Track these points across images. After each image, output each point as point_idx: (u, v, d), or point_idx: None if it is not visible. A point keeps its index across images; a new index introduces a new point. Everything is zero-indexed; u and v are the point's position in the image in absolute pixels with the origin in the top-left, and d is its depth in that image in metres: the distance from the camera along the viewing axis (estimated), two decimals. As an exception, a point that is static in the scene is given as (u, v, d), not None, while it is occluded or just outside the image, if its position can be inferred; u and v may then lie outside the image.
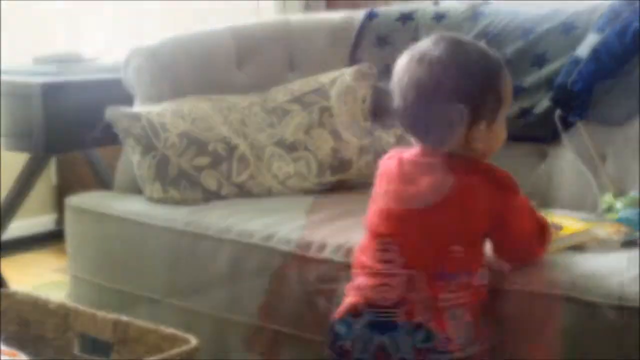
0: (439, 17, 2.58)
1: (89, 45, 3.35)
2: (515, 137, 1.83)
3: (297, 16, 3.38)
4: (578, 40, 2.28)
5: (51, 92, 2.70)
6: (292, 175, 2.39)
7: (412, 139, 1.70)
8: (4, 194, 2.91)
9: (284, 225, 2.07)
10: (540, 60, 2.35)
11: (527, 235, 1.68)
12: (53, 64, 2.88)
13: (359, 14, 2.75)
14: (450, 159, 1.65)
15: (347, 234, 1.94)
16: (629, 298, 1.58)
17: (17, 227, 3.20)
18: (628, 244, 1.81)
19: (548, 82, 2.30)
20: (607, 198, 2.02)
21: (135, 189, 2.39)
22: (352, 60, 2.66)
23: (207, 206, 2.27)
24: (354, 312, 1.64)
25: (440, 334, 1.58)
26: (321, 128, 2.45)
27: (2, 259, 2.87)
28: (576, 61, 2.24)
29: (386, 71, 2.44)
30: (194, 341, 1.75)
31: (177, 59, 2.58)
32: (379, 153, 2.12)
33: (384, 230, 1.67)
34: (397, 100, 1.67)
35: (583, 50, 2.23)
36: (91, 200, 2.43)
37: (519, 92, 2.25)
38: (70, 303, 2.06)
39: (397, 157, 1.72)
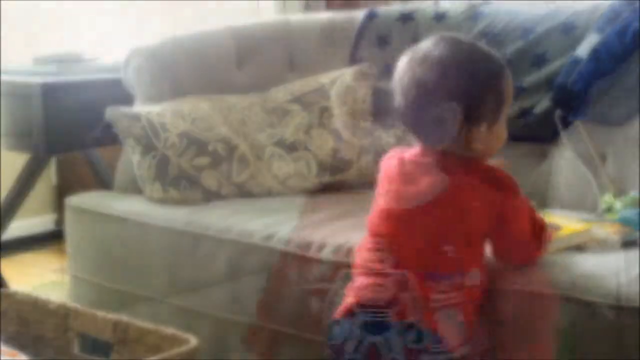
0: (439, 17, 2.58)
1: (89, 45, 3.34)
2: (515, 137, 1.83)
3: (297, 16, 3.38)
4: (578, 40, 2.28)
5: (51, 92, 2.70)
6: (292, 175, 2.40)
7: (413, 139, 1.70)
8: (4, 194, 2.91)
9: (284, 225, 2.07)
10: (540, 60, 2.35)
11: (526, 237, 1.68)
12: (53, 64, 2.88)
13: (359, 14, 2.75)
14: (451, 159, 1.65)
15: (346, 234, 1.94)
16: (628, 298, 1.58)
17: (17, 227, 3.20)
18: (628, 244, 1.81)
19: (548, 82, 2.30)
20: (607, 198, 2.02)
21: (135, 189, 2.39)
22: (352, 60, 2.66)
23: (207, 206, 2.27)
24: (348, 312, 1.64)
25: (432, 335, 1.57)
26: (321, 128, 2.45)
27: (2, 259, 2.87)
28: (576, 61, 2.24)
29: (386, 71, 2.44)
30: (194, 341, 1.75)
31: (177, 59, 2.58)
32: (379, 153, 2.12)
33: (379, 230, 1.68)
34: (397, 100, 1.67)
35: (583, 50, 2.23)
36: (91, 200, 2.43)
37: (519, 92, 2.25)
38: (70, 303, 2.06)
39: (398, 157, 1.72)
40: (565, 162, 2.22)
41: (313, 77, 2.57)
